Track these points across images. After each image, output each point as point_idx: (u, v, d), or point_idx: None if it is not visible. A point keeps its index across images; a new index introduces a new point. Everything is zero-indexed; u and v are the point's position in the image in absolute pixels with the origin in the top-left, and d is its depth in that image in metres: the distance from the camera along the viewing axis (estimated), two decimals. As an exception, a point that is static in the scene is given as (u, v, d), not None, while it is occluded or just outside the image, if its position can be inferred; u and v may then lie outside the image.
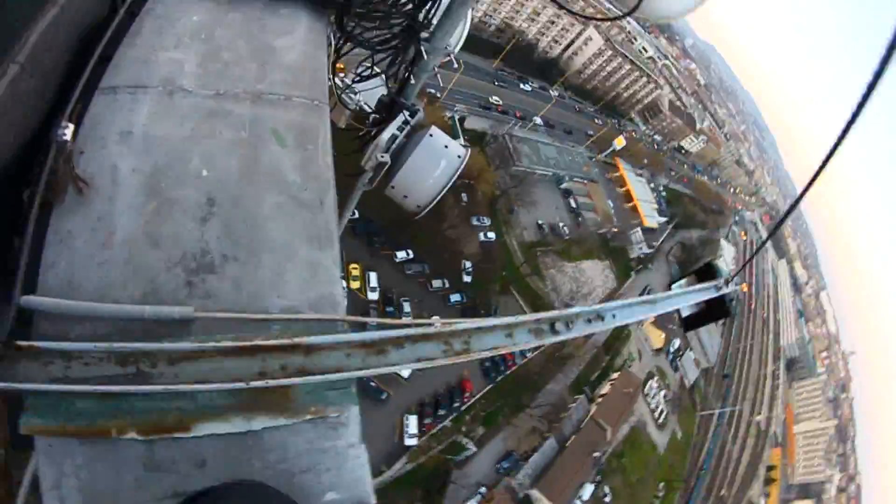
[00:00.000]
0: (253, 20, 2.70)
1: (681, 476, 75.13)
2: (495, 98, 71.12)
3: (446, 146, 3.36)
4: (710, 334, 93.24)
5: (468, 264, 51.06)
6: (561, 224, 65.84)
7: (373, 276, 45.38)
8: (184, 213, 1.85)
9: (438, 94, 58.80)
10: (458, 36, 3.71)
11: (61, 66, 2.11)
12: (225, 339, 1.57)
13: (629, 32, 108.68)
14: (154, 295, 1.67)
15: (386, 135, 3.28)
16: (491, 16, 78.10)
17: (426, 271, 49.24)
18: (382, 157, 3.19)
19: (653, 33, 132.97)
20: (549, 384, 56.06)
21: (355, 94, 3.85)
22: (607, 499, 59.23)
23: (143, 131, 2.03)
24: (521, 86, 79.79)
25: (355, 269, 44.96)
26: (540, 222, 62.88)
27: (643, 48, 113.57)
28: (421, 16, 3.25)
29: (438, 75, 57.43)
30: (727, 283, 3.80)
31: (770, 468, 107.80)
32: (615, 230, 73.89)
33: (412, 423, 44.35)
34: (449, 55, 3.66)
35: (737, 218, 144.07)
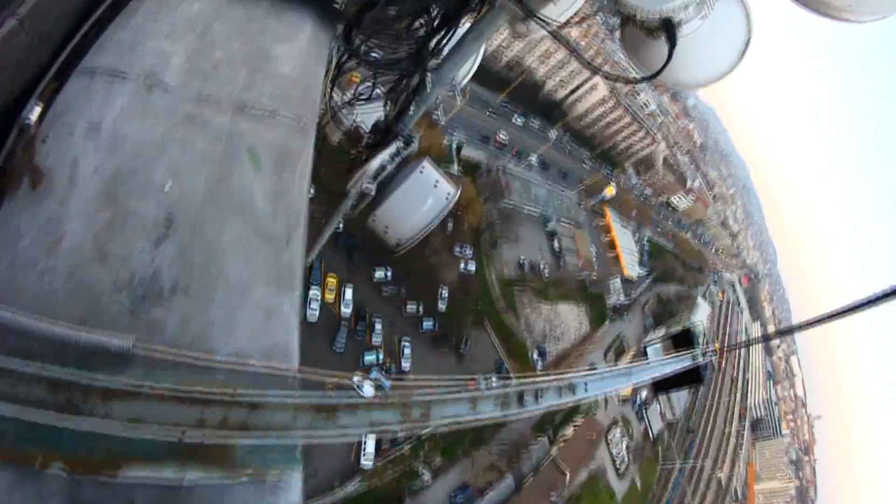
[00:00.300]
0: (255, 20, 2.41)
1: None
2: (503, 134, 71.33)
3: (436, 183, 3.13)
4: (678, 388, 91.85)
5: (445, 292, 50.17)
6: (542, 264, 65.27)
7: (348, 291, 44.36)
8: (139, 229, 1.63)
9: (440, 119, 58.81)
10: (466, 70, 3.48)
11: (60, 31, 1.90)
12: (165, 379, 1.43)
13: (634, 86, 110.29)
14: (95, 318, 1.47)
15: (375, 163, 3.03)
16: (504, 50, 78.86)
17: (402, 293, 48.25)
18: (368, 186, 2.95)
19: (657, 90, 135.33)
20: (513, 422, 54.51)
21: (353, 113, 3.66)
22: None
23: (113, 127, 1.79)
24: (521, 121, 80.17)
25: (332, 280, 43.92)
26: (521, 259, 62.30)
27: (646, 103, 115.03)
28: (432, 44, 2.96)
29: (441, 103, 57.66)
30: (704, 354, 4.01)
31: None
32: (595, 277, 73.38)
33: (370, 444, 42.55)
34: (453, 89, 3.19)
35: (716, 278, 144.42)
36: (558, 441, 58.56)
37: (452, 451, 49.28)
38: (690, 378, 4.42)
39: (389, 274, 47.44)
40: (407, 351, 46.35)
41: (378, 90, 3.42)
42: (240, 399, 1.40)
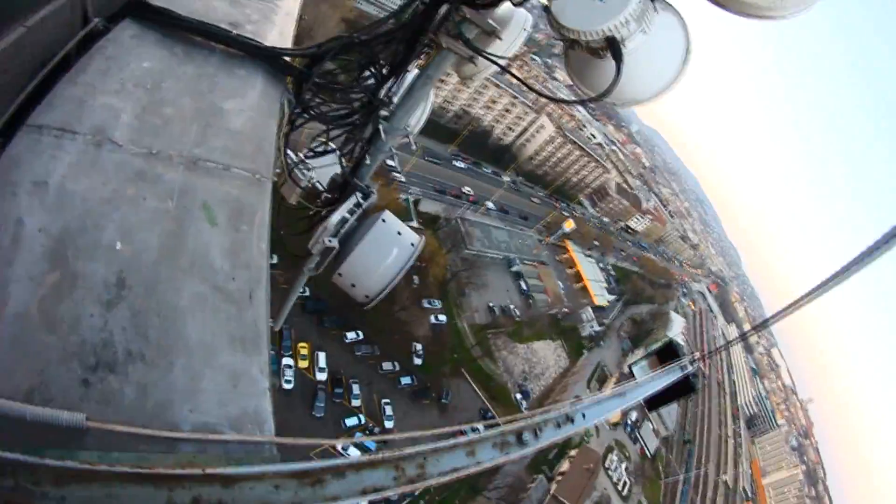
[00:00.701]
0: (205, 77, 2.35)
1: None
2: (467, 189, 72.34)
3: (399, 233, 3.02)
4: (672, 402, 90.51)
5: (419, 346, 49.27)
6: (512, 306, 64.81)
7: (321, 356, 43.03)
8: (88, 292, 1.47)
9: (399, 175, 59.29)
10: (417, 117, 3.40)
11: (7, 88, 1.79)
12: (125, 457, 1.24)
13: (579, 120, 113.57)
14: (43, 390, 1.32)
15: (335, 217, 2.88)
16: (450, 102, 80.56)
17: (376, 353, 47.14)
18: (330, 241, 2.82)
19: (600, 121, 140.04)
20: (504, 468, 52.67)
21: (308, 169, 3.46)
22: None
23: (60, 184, 1.62)
24: (473, 169, 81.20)
25: (304, 348, 42.74)
26: (491, 304, 61.79)
27: (592, 135, 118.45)
28: (382, 93, 2.95)
29: (396, 157, 58.41)
30: (692, 363, 3.87)
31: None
32: (566, 310, 73.10)
33: None
34: (407, 136, 3.34)
35: (684, 290, 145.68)
36: (556, 476, 56.47)
37: None
38: (682, 389, 4.15)
39: (361, 335, 46.50)
40: (388, 409, 44.88)
41: (332, 144, 3.34)
42: (211, 474, 1.17)
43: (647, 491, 73.49)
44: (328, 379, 42.67)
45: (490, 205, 75.05)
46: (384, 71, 2.88)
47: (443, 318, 54.02)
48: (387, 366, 47.41)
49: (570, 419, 2.02)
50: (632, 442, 74.93)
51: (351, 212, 2.92)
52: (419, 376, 48.79)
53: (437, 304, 54.52)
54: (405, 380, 48.00)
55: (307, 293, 42.62)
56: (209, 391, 1.49)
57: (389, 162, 62.14)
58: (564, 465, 57.87)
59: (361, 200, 2.96)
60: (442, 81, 76.58)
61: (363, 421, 43.34)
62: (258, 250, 1.88)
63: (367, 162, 3.21)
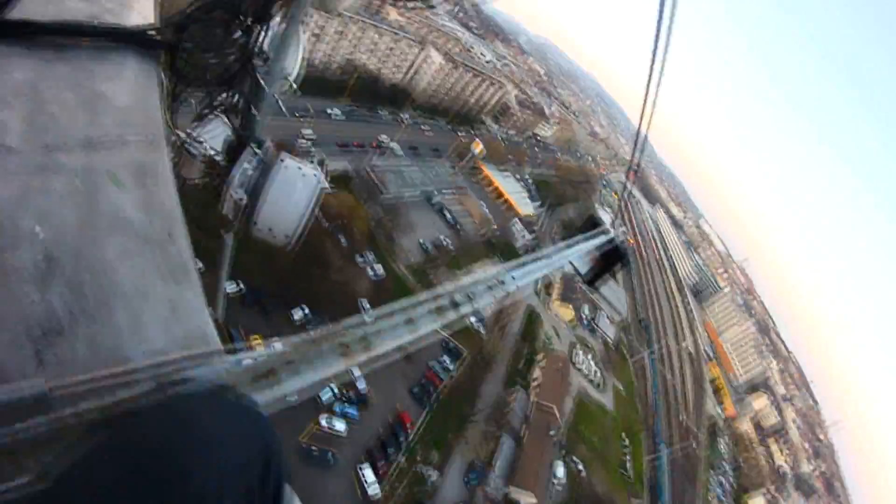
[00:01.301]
0: (80, 70, 2.48)
1: (638, 422, 78.28)
2: (384, 136, 73.00)
3: (300, 169, 3.07)
4: (615, 291, 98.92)
5: (365, 302, 50.77)
6: (442, 238, 67.28)
7: (277, 345, 43.52)
8: (20, 278, 1.58)
9: (304, 142, 58.46)
10: (294, 60, 3.49)
11: None
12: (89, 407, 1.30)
13: (465, 43, 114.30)
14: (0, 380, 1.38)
15: (236, 171, 2.98)
16: (332, 55, 78.76)
17: (326, 321, 47.99)
18: (237, 194, 2.88)
19: (487, 38, 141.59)
20: (483, 388, 56.57)
21: (200, 142, 3.50)
22: (582, 471, 60.50)
23: None
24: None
25: (257, 341, 43.24)
26: (422, 242, 63.87)
27: (481, 54, 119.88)
28: (252, 44, 3.05)
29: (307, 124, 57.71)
30: (613, 226, 4.35)
31: (713, 381, 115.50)
32: (495, 228, 76.73)
33: (368, 473, 42.80)
34: (287, 79, 3.44)
35: (604, 183, 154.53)
36: (532, 386, 61.19)
37: (443, 442, 50.38)
38: (613, 258, 4.61)
39: (307, 308, 47.32)
40: (356, 370, 46.53)
41: (215, 107, 3.41)
42: (165, 381, 1.33)
43: (619, 375, 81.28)
44: (290, 362, 43.43)
45: (396, 147, 75.73)
46: (249, 22, 2.98)
47: (379, 268, 55.65)
48: (343, 329, 48.56)
49: (500, 282, 2.15)
50: (592, 335, 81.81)
51: (250, 164, 3.05)
52: (372, 328, 50.43)
53: (371, 256, 55.89)
54: (364, 338, 49.48)
55: (242, 290, 43.02)
56: (152, 323, 1.68)
57: (306, 133, 61.29)
58: (536, 373, 62.77)
59: (257, 150, 3.07)
60: (317, 38, 75.05)
61: (336, 392, 44.85)
62: (167, 196, 2.16)
63: (256, 116, 3.32)
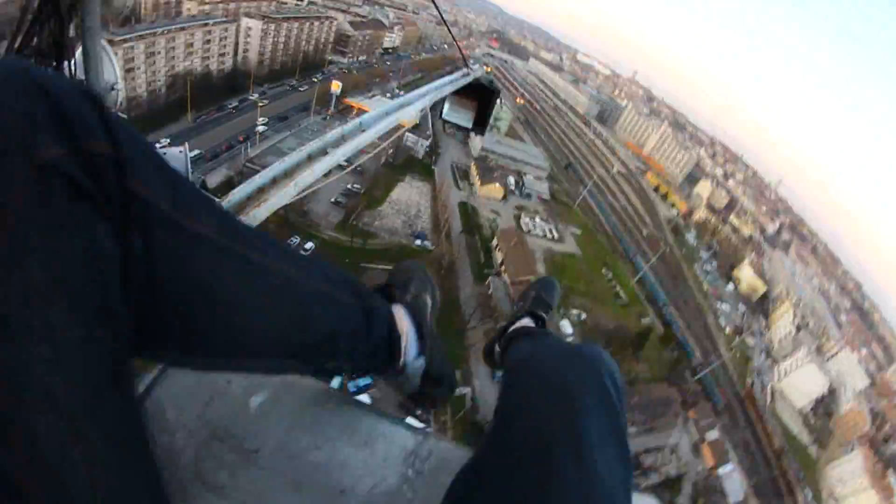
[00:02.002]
0: None
1: (609, 252, 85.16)
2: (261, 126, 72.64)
3: (164, 154, 2.52)
4: (528, 151, 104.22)
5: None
6: (349, 186, 68.22)
7: None
8: None
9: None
10: (112, 71, 3.07)
11: None
12: None
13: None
14: None
15: None
16: (152, 80, 74.51)
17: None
18: None
19: None
20: (459, 296, 60.09)
21: None
22: (583, 316, 65.95)
23: None
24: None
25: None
26: (332, 200, 64.80)
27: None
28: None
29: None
30: (468, 67, 4.61)
31: (656, 189, 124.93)
32: (391, 152, 78.05)
33: (412, 423, 45.76)
34: (116, 90, 2.87)
35: (472, 62, 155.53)
36: (501, 270, 64.94)
37: (457, 361, 52.72)
38: (486, 95, 4.75)
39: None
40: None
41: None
42: None
43: (571, 220, 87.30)
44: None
45: (261, 129, 74.45)
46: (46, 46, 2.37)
47: (309, 244, 56.68)
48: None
49: (362, 129, 2.18)
50: (526, 198, 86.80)
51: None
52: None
53: (296, 238, 56.73)
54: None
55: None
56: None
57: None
58: (498, 256, 66.67)
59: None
60: (130, 71, 70.23)
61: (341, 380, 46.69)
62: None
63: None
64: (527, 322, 1.92)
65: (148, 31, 70.61)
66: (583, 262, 77.44)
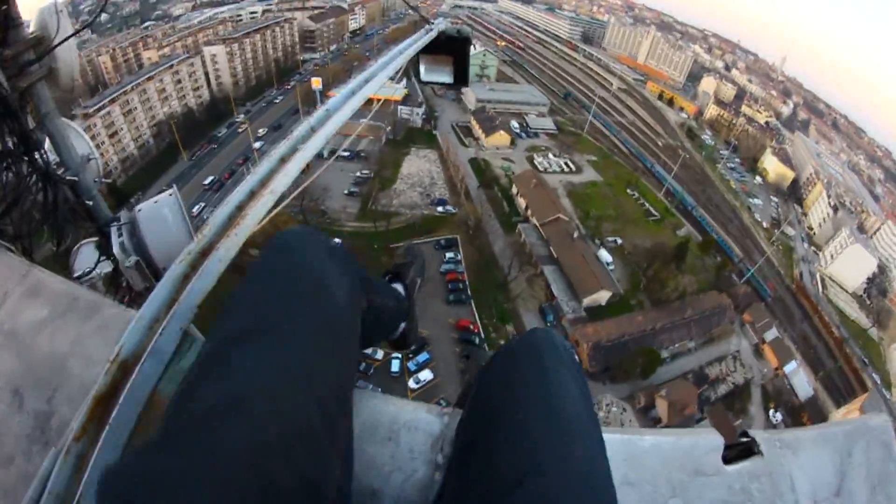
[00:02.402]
0: None
1: (630, 171, 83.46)
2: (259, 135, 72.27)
3: (155, 202, 2.80)
4: (524, 90, 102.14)
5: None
6: (358, 174, 68.20)
7: None
8: None
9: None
10: (84, 144, 3.34)
11: None
12: None
13: (231, 15, 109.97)
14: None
15: (116, 249, 2.69)
16: (139, 136, 75.20)
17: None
18: (129, 262, 2.60)
19: None
20: (494, 251, 60.32)
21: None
22: (619, 241, 65.73)
23: None
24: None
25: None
26: (346, 192, 65.02)
27: (249, 13, 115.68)
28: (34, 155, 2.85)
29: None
30: (427, 22, 4.37)
31: (660, 96, 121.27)
32: (388, 129, 77.54)
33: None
34: (94, 159, 3.31)
35: (439, 18, 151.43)
36: (528, 216, 64.46)
37: (505, 314, 54.65)
38: (458, 47, 4.52)
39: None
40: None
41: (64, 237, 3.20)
42: None
43: (584, 149, 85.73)
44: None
45: (257, 145, 74.66)
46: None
47: (337, 241, 56.43)
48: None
49: (328, 114, 2.10)
50: (536, 138, 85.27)
51: (119, 235, 2.75)
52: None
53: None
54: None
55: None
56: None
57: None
58: (521, 202, 66.14)
59: (116, 222, 2.77)
60: (114, 135, 71.03)
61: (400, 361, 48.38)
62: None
63: (90, 202, 3.18)
64: None
65: (118, 92, 71.45)
66: (606, 188, 76.17)
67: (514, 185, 68.90)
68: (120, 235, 2.71)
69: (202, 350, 0.91)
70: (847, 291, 74.38)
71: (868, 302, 73.71)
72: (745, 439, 1.44)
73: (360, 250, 56.11)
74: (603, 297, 56.54)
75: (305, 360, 0.85)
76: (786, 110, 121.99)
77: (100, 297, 1.94)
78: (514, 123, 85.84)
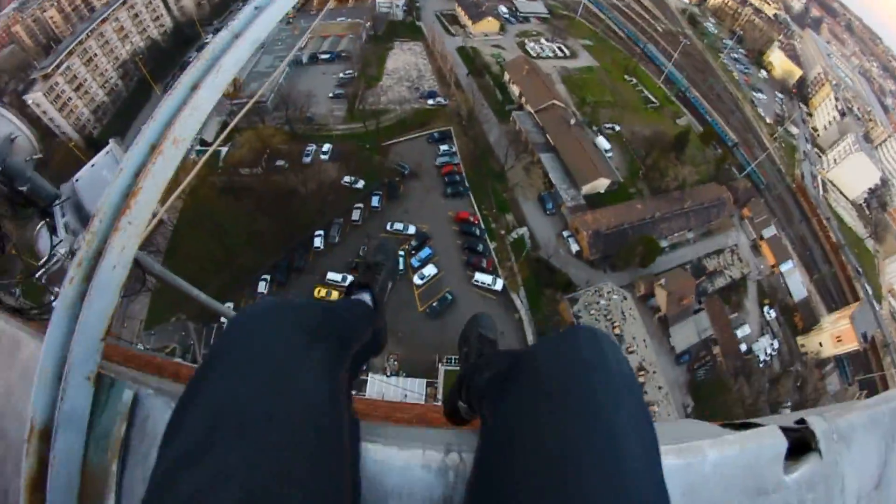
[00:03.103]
0: None
1: (628, 57, 79.24)
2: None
3: (91, 165, 2.74)
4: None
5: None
6: (342, 74, 65.49)
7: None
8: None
9: None
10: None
11: None
12: None
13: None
14: None
15: (59, 221, 2.55)
16: (107, 82, 69.78)
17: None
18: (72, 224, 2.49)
19: None
20: (489, 141, 58.43)
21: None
22: (617, 128, 63.37)
23: None
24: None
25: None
26: (331, 94, 62.81)
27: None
28: None
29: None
30: None
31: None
32: (369, 25, 72.92)
33: (480, 276, 47.69)
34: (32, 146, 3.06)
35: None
36: (522, 103, 61.80)
37: (504, 204, 53.93)
38: None
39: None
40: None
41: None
42: None
43: (578, 33, 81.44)
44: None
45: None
46: None
47: (328, 146, 56.30)
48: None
49: (258, 12, 1.70)
50: (526, 23, 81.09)
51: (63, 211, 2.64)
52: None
53: (312, 146, 56.55)
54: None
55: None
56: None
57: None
58: (514, 89, 63.62)
59: (57, 202, 2.64)
60: (79, 87, 64.91)
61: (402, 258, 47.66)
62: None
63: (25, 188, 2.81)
64: None
65: (74, 43, 65.97)
66: (603, 73, 72.58)
67: (505, 73, 65.55)
68: (64, 214, 2.60)
69: (153, 474, 0.79)
70: (847, 198, 72.93)
71: (867, 212, 72.62)
72: (801, 426, 1.35)
73: (351, 153, 54.80)
74: (602, 184, 55.52)
75: (268, 483, 0.71)
76: (797, 4, 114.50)
77: (19, 330, 1.58)
78: (503, 8, 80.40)
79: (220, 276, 45.93)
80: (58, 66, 62.36)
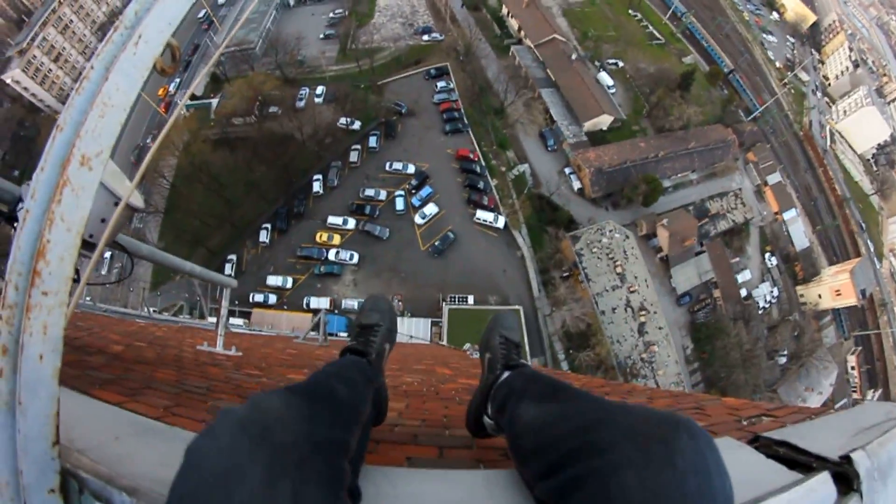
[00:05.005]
0: None
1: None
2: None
3: None
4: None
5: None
6: (332, 13, 63.80)
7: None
8: None
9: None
10: None
11: None
12: None
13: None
14: None
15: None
16: (87, 48, 65.93)
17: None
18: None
19: None
20: (488, 76, 56.36)
21: None
22: (620, 64, 61.16)
23: None
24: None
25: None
26: (321, 36, 60.98)
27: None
28: None
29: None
30: None
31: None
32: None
33: (482, 213, 47.24)
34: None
35: None
36: (521, 37, 59.44)
37: (504, 141, 52.49)
38: None
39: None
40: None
41: None
42: None
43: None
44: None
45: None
46: None
47: (321, 88, 54.91)
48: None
49: None
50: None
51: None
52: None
53: (306, 90, 55.16)
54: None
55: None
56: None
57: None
58: (513, 23, 61.38)
59: None
60: (58, 59, 61.32)
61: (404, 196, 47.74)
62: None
63: None
64: (507, 376, 1.71)
65: (47, 13, 62.19)
66: (605, 6, 69.11)
67: (503, 6, 62.70)
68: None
69: None
70: (855, 152, 70.39)
71: (874, 168, 70.09)
72: (845, 464, 1.29)
73: (345, 94, 53.27)
74: (604, 121, 53.85)
75: None
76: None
77: None
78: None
79: (222, 230, 45.93)
80: (32, 40, 59.49)
